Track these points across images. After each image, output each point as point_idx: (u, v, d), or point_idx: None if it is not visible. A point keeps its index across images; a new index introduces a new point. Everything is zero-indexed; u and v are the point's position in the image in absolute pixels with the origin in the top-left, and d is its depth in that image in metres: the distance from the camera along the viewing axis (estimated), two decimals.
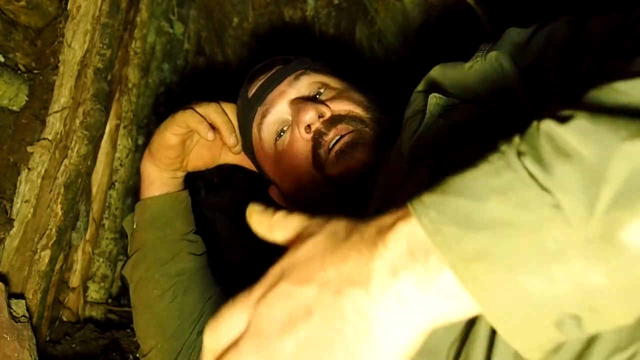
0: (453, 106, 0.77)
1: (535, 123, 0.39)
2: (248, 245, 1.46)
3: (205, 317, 1.02)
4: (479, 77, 0.76)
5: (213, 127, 0.96)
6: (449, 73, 0.80)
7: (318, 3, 1.70)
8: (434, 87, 0.81)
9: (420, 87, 0.83)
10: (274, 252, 1.49)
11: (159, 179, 1.01)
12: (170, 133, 0.96)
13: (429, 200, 0.38)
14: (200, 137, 0.97)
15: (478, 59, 0.75)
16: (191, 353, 0.99)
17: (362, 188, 0.85)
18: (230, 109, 1.02)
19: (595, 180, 0.35)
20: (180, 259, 1.01)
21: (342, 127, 0.86)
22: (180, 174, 1.04)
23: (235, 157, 1.06)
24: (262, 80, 0.96)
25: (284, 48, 1.71)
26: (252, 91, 0.97)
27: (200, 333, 1.00)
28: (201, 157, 1.04)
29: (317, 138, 0.86)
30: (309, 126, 0.86)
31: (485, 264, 0.36)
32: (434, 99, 0.75)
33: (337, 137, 0.86)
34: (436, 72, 0.82)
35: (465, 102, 0.77)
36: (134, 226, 1.03)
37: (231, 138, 0.98)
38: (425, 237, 0.37)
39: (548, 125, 0.38)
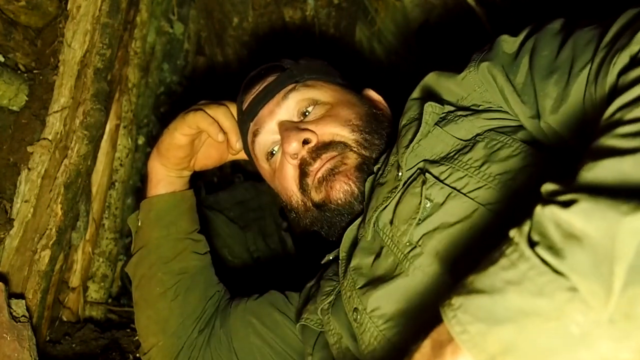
0: (448, 113, 0.78)
1: (539, 209, 0.40)
2: (248, 245, 1.46)
3: (207, 316, 1.03)
4: (473, 87, 0.76)
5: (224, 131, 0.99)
6: (443, 82, 0.80)
7: (318, 3, 1.70)
8: (429, 94, 0.81)
9: (415, 94, 0.84)
10: (273, 252, 1.48)
11: (166, 178, 1.03)
12: (180, 133, 0.97)
13: (457, 303, 0.41)
14: (212, 138, 0.99)
15: (471, 69, 0.75)
16: (192, 351, 1.00)
17: (348, 210, 0.86)
18: (235, 111, 1.03)
19: (607, 258, 0.36)
20: (184, 257, 1.02)
21: (326, 156, 0.86)
22: (187, 173, 1.06)
23: (241, 154, 1.07)
24: (255, 93, 0.97)
25: (284, 48, 1.71)
26: (246, 105, 0.99)
27: (202, 331, 1.01)
28: (209, 157, 1.06)
29: (303, 168, 0.88)
30: (296, 155, 0.88)
31: (513, 358, 0.37)
32: (430, 107, 0.75)
33: (321, 166, 0.86)
34: (431, 79, 0.82)
35: (460, 109, 0.77)
36: (139, 224, 1.04)
37: (238, 143, 1.01)
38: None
39: (552, 211, 0.39)
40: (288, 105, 0.93)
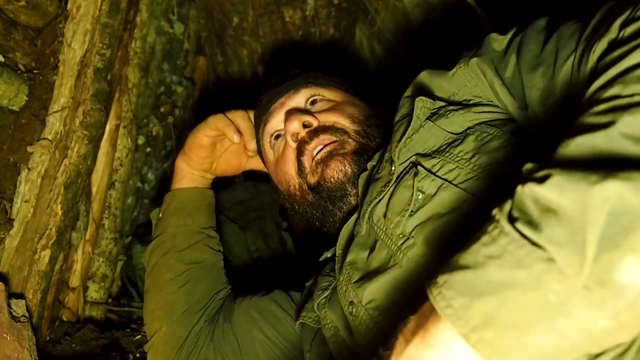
0: (440, 108, 0.79)
1: (519, 188, 0.42)
2: (248, 245, 1.46)
3: (213, 309, 1.05)
4: (463, 83, 0.78)
5: (240, 133, 1.05)
6: (435, 79, 0.82)
7: (318, 3, 1.70)
8: (421, 91, 0.83)
9: (408, 92, 0.86)
10: (273, 253, 1.48)
11: (189, 175, 1.10)
12: (202, 134, 1.06)
13: (441, 281, 0.43)
14: (228, 139, 1.06)
15: (461, 65, 0.77)
16: (197, 341, 1.01)
17: (341, 192, 0.89)
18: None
19: (580, 227, 0.37)
20: (197, 249, 1.06)
21: (324, 137, 0.90)
22: (210, 176, 1.13)
23: (258, 163, 1.13)
24: (271, 92, 1.03)
25: (284, 48, 1.71)
26: (261, 102, 1.04)
27: (207, 322, 1.03)
28: (229, 163, 1.13)
29: (301, 146, 0.91)
30: (296, 135, 0.91)
31: (495, 329, 0.39)
32: (421, 102, 0.78)
33: (319, 147, 0.90)
34: (423, 77, 0.84)
35: (451, 103, 0.79)
36: (160, 215, 1.10)
37: (252, 143, 1.07)
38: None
39: (530, 188, 0.41)
40: (298, 99, 0.98)
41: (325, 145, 0.89)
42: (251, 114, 1.08)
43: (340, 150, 0.89)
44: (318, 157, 0.89)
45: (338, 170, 0.88)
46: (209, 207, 1.11)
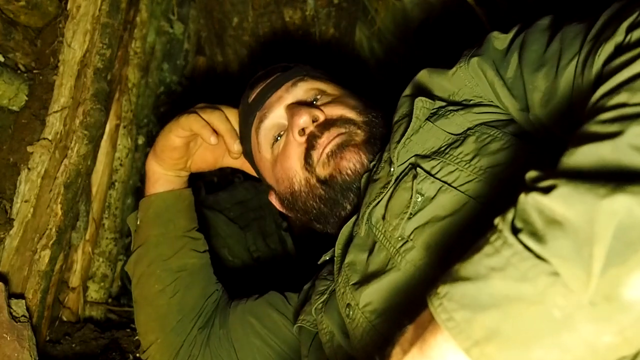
0: (440, 108, 0.78)
1: (522, 197, 0.41)
2: (247, 245, 1.46)
3: (206, 314, 1.03)
4: (463, 82, 0.76)
5: (217, 134, 0.98)
6: (434, 78, 0.80)
7: (318, 3, 1.70)
8: (420, 90, 0.82)
9: (407, 91, 0.84)
10: (273, 252, 1.48)
11: (164, 177, 1.04)
12: (174, 135, 0.99)
13: (442, 292, 0.42)
14: (204, 141, 0.99)
15: (461, 64, 0.76)
16: (192, 349, 1.00)
17: (353, 189, 0.86)
18: (232, 115, 1.03)
19: (587, 241, 0.36)
20: (183, 255, 1.02)
21: (334, 131, 0.87)
22: (184, 174, 1.07)
23: (237, 161, 1.08)
24: (262, 86, 0.98)
25: (284, 48, 1.71)
26: (252, 97, 0.99)
27: (201, 329, 1.01)
28: (204, 160, 1.06)
29: (311, 140, 0.88)
30: (303, 130, 0.88)
31: (497, 343, 0.38)
32: (420, 102, 0.76)
33: (329, 140, 0.87)
34: (422, 76, 0.82)
35: (451, 104, 0.78)
36: (138, 222, 1.05)
37: (235, 145, 1.00)
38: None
39: (534, 198, 0.40)
40: (296, 92, 0.94)
41: (334, 138, 0.87)
42: (228, 112, 1.02)
43: (351, 141, 0.86)
44: (328, 149, 0.86)
45: (355, 162, 0.85)
46: (188, 208, 1.06)
